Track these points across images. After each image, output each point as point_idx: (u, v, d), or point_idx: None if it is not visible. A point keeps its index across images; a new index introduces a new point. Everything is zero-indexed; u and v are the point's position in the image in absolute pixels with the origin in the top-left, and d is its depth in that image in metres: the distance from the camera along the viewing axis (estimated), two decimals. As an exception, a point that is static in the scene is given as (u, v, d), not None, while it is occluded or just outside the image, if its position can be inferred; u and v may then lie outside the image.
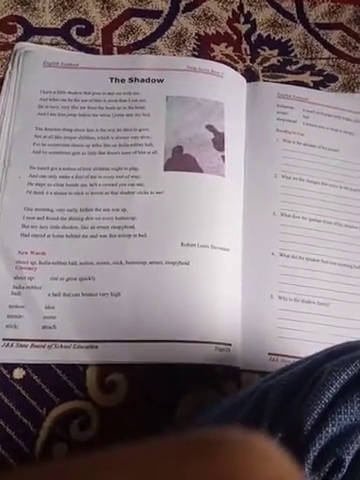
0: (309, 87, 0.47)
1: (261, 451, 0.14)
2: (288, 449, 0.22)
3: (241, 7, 0.50)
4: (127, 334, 0.35)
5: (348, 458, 0.23)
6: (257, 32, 0.50)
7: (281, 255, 0.39)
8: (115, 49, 0.47)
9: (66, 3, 0.47)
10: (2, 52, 0.45)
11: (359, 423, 0.24)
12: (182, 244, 0.38)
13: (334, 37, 0.50)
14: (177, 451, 0.13)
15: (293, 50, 0.50)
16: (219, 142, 0.42)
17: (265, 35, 0.50)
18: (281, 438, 0.24)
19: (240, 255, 0.39)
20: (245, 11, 0.50)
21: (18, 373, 0.35)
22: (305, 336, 0.37)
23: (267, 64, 0.48)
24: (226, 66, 0.45)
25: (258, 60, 0.48)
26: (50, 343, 0.35)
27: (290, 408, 0.25)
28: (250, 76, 0.47)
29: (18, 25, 0.46)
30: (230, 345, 0.36)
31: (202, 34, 0.48)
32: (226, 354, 0.35)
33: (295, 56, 0.49)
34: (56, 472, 0.14)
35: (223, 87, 0.44)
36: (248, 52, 0.48)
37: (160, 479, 0.13)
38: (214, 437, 0.14)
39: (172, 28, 0.48)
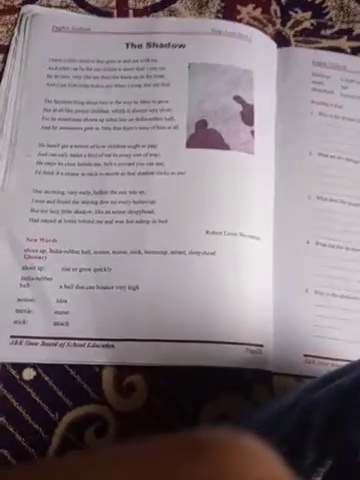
0: (346, 53, 0.44)
1: (253, 453, 0.14)
2: (343, 476, 0.20)
3: None
4: (146, 333, 0.33)
5: None
6: (288, -8, 0.45)
7: (317, 244, 0.36)
8: (131, 12, 0.44)
9: None
10: (7, 16, 0.42)
11: None
12: (207, 232, 0.35)
13: (374, -3, 0.46)
14: (169, 452, 0.13)
15: (328, 12, 0.46)
16: (248, 115, 0.38)
17: (297, -5, 0.45)
18: (333, 464, 0.21)
19: (272, 244, 0.36)
20: (275, -33, 0.45)
21: (28, 374, 0.33)
22: (344, 336, 0.34)
23: (299, 28, 0.44)
24: (255, 29, 0.42)
25: (289, 23, 0.44)
26: (62, 341, 0.33)
27: (341, 430, 0.22)
28: (281, 41, 0.43)
29: (24, -14, 0.43)
30: (262, 346, 0.33)
31: (227, -6, 0.44)
32: (257, 356, 0.32)
33: (330, 19, 0.45)
34: (45, 471, 0.14)
35: (252, 53, 0.40)
36: (278, 14, 0.45)
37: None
38: (206, 438, 0.14)
39: (194, -13, 0.44)
